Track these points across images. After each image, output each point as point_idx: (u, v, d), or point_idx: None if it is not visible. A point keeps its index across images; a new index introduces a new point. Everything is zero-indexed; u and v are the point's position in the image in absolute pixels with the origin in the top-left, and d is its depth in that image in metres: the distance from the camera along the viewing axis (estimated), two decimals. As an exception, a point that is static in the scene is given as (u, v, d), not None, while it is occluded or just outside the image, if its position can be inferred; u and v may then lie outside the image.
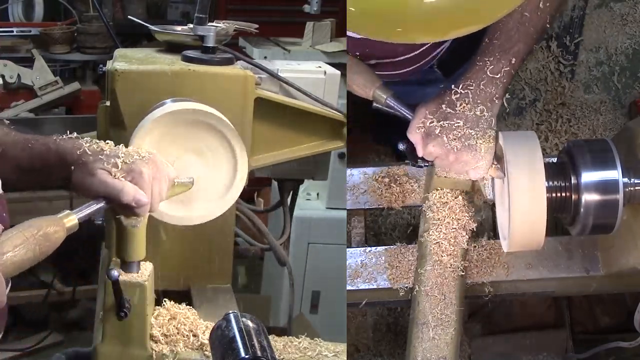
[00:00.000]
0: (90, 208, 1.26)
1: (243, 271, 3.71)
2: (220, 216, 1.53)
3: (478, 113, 1.51)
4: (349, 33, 1.64)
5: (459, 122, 1.51)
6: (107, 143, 1.35)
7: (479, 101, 1.51)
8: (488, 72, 1.51)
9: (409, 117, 1.60)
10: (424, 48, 1.83)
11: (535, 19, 1.53)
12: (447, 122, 1.52)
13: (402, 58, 1.85)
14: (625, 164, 1.47)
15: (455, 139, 1.51)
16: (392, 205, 1.78)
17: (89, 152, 1.30)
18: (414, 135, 1.57)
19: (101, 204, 1.28)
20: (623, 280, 1.71)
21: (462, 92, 1.51)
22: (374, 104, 1.73)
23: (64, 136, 1.36)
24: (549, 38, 3.08)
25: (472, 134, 1.51)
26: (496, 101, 1.52)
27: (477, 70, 1.52)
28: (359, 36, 1.62)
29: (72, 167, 1.30)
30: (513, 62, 1.51)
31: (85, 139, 1.36)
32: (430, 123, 1.53)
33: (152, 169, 1.32)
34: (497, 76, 1.50)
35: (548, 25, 1.55)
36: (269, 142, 1.73)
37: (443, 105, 1.52)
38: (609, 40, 3.08)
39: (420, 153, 1.57)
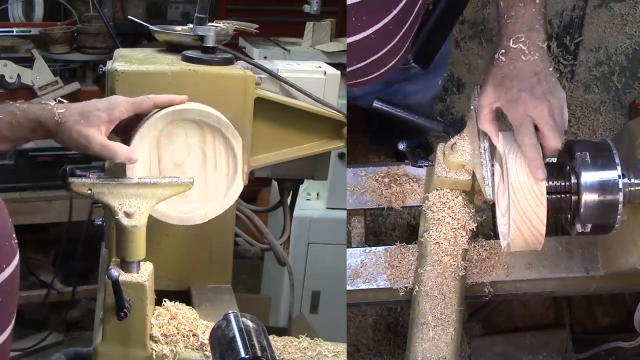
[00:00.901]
0: None
1: (243, 271, 3.70)
2: (220, 216, 1.53)
3: (537, 57, 1.46)
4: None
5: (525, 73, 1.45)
6: (61, 102, 1.38)
7: (531, 49, 1.46)
8: (522, 22, 1.47)
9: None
10: (394, 43, 1.80)
11: None
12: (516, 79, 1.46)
13: (377, 56, 1.82)
14: (625, 164, 1.47)
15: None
16: (392, 205, 1.78)
17: (67, 115, 1.34)
18: (487, 124, 1.52)
19: None
20: (623, 280, 1.71)
21: (514, 47, 1.46)
22: (374, 104, 1.73)
23: (20, 102, 1.37)
24: (549, 38, 3.08)
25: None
26: (544, 45, 1.48)
27: (512, 24, 1.48)
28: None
29: (50, 132, 1.34)
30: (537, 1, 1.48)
31: (47, 101, 1.39)
32: (497, 101, 1.48)
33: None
34: (535, 20, 1.47)
35: None
36: (269, 142, 1.73)
37: (499, 76, 1.47)
38: (609, 40, 3.08)
39: (495, 141, 1.51)
